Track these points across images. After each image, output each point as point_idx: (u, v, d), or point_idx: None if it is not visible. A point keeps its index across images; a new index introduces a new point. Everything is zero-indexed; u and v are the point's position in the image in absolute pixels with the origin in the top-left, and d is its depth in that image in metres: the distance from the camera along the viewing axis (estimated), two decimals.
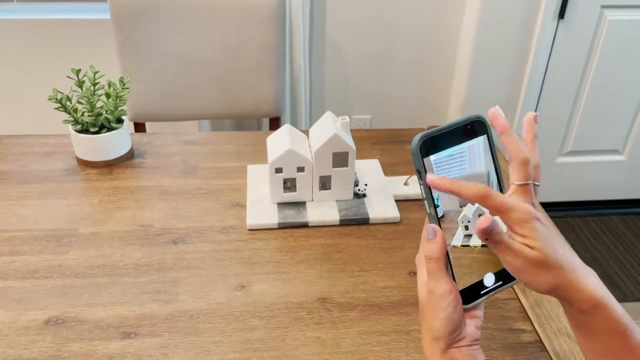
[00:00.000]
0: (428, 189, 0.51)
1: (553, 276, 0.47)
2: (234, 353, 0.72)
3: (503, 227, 0.48)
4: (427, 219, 0.53)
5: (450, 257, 0.52)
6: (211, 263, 0.87)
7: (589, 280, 0.47)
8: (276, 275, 0.85)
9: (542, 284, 0.47)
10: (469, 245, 0.54)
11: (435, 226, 0.51)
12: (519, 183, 0.51)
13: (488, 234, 0.46)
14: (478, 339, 0.52)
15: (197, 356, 0.72)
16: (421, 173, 0.51)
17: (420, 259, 0.54)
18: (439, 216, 0.52)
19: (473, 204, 0.54)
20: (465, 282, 0.53)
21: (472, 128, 0.53)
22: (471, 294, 0.53)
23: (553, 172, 2.30)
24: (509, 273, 0.54)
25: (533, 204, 0.50)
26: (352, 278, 0.85)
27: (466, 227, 0.54)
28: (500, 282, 0.54)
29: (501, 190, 0.55)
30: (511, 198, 0.49)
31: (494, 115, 0.53)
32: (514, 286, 0.84)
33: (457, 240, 0.53)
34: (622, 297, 1.94)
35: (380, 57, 2.07)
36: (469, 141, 0.53)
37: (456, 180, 0.48)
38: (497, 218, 0.48)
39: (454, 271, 0.52)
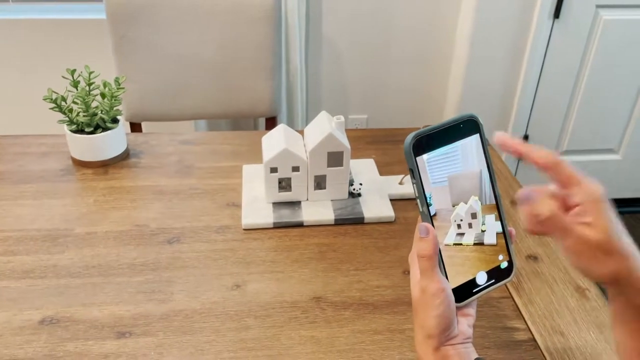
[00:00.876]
0: (421, 187, 0.52)
1: (615, 263, 0.44)
2: (228, 352, 0.73)
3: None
4: (419, 218, 0.53)
5: (443, 255, 0.52)
6: (206, 263, 0.88)
7: None
8: (271, 275, 0.86)
9: (601, 271, 0.44)
10: (461, 244, 0.54)
11: (427, 224, 0.52)
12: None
13: (526, 200, 0.44)
14: (470, 336, 0.52)
15: (191, 355, 0.72)
16: (414, 172, 0.52)
17: (413, 257, 0.54)
18: (431, 214, 0.52)
19: (466, 203, 0.54)
20: (458, 280, 0.53)
21: (465, 127, 0.53)
22: (463, 292, 0.53)
23: None
24: (501, 271, 0.55)
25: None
26: (346, 277, 0.85)
27: (459, 226, 0.54)
28: (493, 281, 0.54)
29: (494, 189, 0.55)
30: (580, 171, 0.45)
31: (504, 142, 0.49)
32: (508, 285, 0.84)
33: (450, 238, 0.53)
34: None
35: (376, 57, 2.07)
36: (462, 140, 0.53)
37: (526, 143, 0.45)
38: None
39: (446, 269, 0.52)
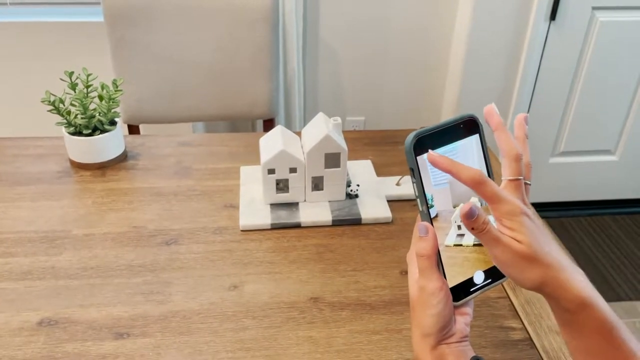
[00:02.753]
0: (421, 187, 0.52)
1: (539, 272, 0.47)
2: (226, 353, 0.73)
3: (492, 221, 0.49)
4: (418, 217, 0.53)
5: (442, 255, 0.53)
6: (204, 264, 0.88)
7: (576, 279, 0.48)
8: (269, 276, 0.86)
9: (528, 280, 0.48)
10: (461, 245, 0.54)
11: (427, 224, 0.52)
12: (510, 178, 0.51)
13: (470, 218, 0.47)
14: (467, 335, 0.53)
15: (189, 356, 0.72)
16: (414, 171, 0.52)
17: (411, 256, 0.54)
18: (432, 215, 0.53)
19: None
20: (456, 279, 0.53)
21: (465, 127, 0.53)
22: (461, 291, 0.53)
23: (546, 172, 2.31)
24: (498, 271, 0.55)
25: (523, 201, 0.51)
26: (344, 278, 0.86)
27: (459, 227, 0.54)
28: (490, 280, 0.54)
29: None
30: (502, 190, 0.49)
31: (489, 112, 0.54)
32: (505, 285, 0.85)
33: (450, 239, 0.54)
34: (615, 297, 1.95)
35: (373, 59, 2.07)
36: (462, 140, 0.53)
37: (456, 161, 0.48)
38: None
39: (444, 269, 0.53)
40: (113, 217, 0.98)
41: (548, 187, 2.34)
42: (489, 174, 0.55)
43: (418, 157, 0.51)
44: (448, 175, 0.53)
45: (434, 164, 0.49)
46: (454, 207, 0.54)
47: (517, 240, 0.48)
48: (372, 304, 0.81)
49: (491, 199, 0.48)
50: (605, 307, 0.48)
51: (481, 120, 0.54)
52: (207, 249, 0.91)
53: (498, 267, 0.50)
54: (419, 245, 0.52)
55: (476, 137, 0.54)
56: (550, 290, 0.48)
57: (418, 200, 0.52)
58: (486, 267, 0.55)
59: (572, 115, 2.20)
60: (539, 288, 0.48)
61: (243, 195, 1.02)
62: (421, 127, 0.53)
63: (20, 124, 1.98)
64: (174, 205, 1.01)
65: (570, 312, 0.48)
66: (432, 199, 0.52)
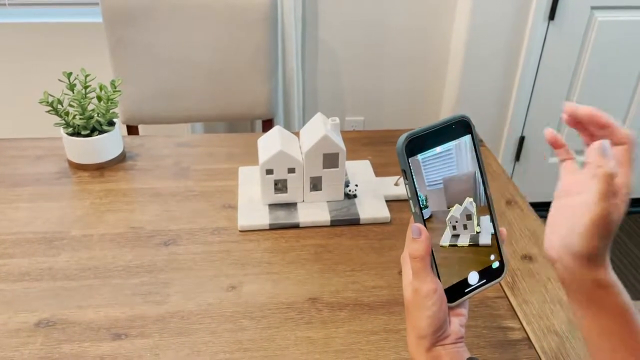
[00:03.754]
0: (414, 188, 0.52)
1: (599, 244, 0.47)
2: (224, 353, 0.73)
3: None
4: (412, 218, 0.53)
5: (437, 256, 0.53)
6: (202, 264, 0.88)
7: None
8: (267, 276, 0.86)
9: (592, 246, 0.48)
10: (456, 245, 0.54)
11: (420, 225, 0.52)
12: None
13: (603, 152, 0.49)
14: (463, 336, 0.53)
15: (187, 357, 0.72)
16: (406, 173, 0.52)
17: (405, 258, 0.54)
18: (426, 217, 0.53)
19: (461, 204, 0.55)
20: (450, 280, 0.53)
21: (457, 128, 0.53)
22: (455, 292, 0.53)
23: (545, 172, 2.31)
24: (493, 271, 0.55)
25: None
26: (342, 278, 0.86)
27: (454, 227, 0.54)
28: (484, 281, 0.54)
29: (485, 191, 0.55)
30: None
31: (553, 139, 0.59)
32: (503, 285, 0.85)
33: (445, 240, 0.54)
34: None
35: (372, 60, 2.07)
36: (454, 141, 0.53)
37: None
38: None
39: (438, 270, 0.53)
40: (111, 218, 0.98)
41: (548, 187, 2.33)
42: (482, 174, 0.55)
43: (410, 159, 0.51)
44: (442, 176, 0.53)
45: (570, 113, 0.55)
46: (449, 208, 0.54)
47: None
48: (370, 304, 0.81)
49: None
50: (624, 291, 0.50)
51: (474, 121, 0.54)
52: (206, 249, 0.91)
53: (597, 200, 0.47)
54: (412, 247, 0.51)
55: (468, 137, 0.54)
56: (594, 260, 0.48)
57: (410, 201, 0.52)
58: (481, 268, 0.55)
59: None
60: (592, 255, 0.48)
61: (241, 196, 1.02)
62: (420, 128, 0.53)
63: (18, 125, 1.98)
64: (172, 205, 1.01)
65: (601, 288, 0.49)
66: (426, 200, 0.52)
